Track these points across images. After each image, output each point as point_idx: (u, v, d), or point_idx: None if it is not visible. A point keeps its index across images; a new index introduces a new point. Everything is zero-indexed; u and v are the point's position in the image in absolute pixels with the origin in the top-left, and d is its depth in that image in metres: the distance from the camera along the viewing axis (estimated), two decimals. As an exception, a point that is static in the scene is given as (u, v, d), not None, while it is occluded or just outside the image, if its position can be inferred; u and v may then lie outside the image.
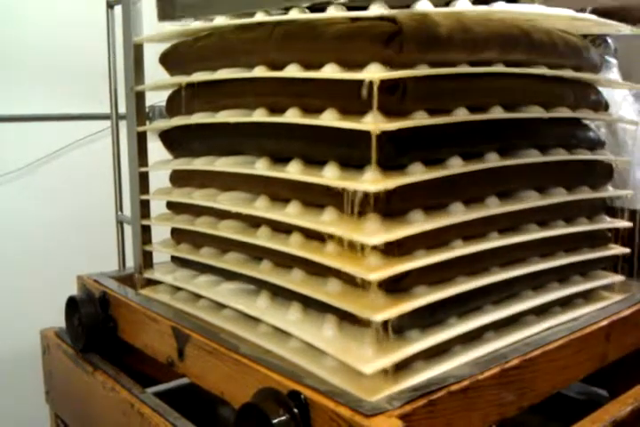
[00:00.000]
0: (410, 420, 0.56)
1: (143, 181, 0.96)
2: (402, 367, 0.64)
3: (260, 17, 0.75)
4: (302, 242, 0.72)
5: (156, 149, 0.97)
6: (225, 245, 0.84)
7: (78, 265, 1.05)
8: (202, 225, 0.86)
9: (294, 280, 0.72)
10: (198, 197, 0.85)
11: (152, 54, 0.95)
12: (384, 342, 0.63)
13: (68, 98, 1.49)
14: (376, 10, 0.64)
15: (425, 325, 0.68)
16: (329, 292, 0.68)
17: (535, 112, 0.77)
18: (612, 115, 0.93)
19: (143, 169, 0.95)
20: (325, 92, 0.68)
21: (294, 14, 0.71)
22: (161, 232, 0.98)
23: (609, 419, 0.70)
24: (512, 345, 0.71)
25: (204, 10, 0.85)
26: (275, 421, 0.56)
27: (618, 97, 1.03)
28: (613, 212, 0.94)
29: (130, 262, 1.02)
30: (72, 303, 0.91)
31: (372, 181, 0.62)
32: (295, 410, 0.57)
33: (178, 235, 0.95)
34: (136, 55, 0.93)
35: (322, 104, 0.68)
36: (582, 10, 0.79)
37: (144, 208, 0.96)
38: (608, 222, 0.90)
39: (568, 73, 0.80)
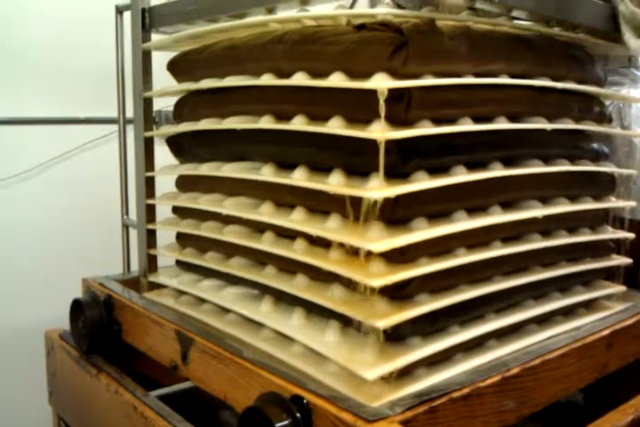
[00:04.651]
0: (411, 426, 0.56)
1: (149, 186, 0.97)
2: (404, 374, 0.64)
3: (260, 18, 0.77)
4: (306, 248, 0.72)
5: (162, 154, 0.98)
6: (230, 249, 0.85)
7: (83, 268, 1.06)
8: (207, 230, 0.86)
9: (298, 286, 0.73)
10: (204, 203, 0.86)
11: (159, 59, 0.96)
12: (386, 348, 0.64)
13: (75, 101, 1.50)
14: (382, 8, 0.65)
15: (427, 332, 0.68)
16: (332, 298, 0.68)
17: (539, 123, 0.78)
18: (615, 127, 0.93)
19: (149, 174, 0.96)
20: (331, 101, 0.69)
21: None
22: (166, 236, 0.99)
23: (609, 428, 0.71)
24: (513, 353, 0.71)
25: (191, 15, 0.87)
26: (277, 425, 0.57)
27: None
28: (620, 222, 0.94)
29: (135, 266, 1.03)
30: (77, 306, 0.92)
31: (376, 189, 0.62)
32: (298, 414, 0.58)
33: (183, 239, 0.95)
34: (144, 61, 0.94)
35: (327, 112, 0.69)
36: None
37: (150, 212, 0.97)
38: (610, 233, 0.90)
39: (571, 85, 0.80)
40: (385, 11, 0.65)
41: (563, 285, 0.85)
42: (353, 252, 0.65)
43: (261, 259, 0.81)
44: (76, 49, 1.47)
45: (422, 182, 0.65)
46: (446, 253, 0.70)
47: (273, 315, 0.76)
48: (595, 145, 0.88)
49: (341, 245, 0.66)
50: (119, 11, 1.08)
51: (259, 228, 0.80)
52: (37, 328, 1.06)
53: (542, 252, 0.78)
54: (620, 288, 0.91)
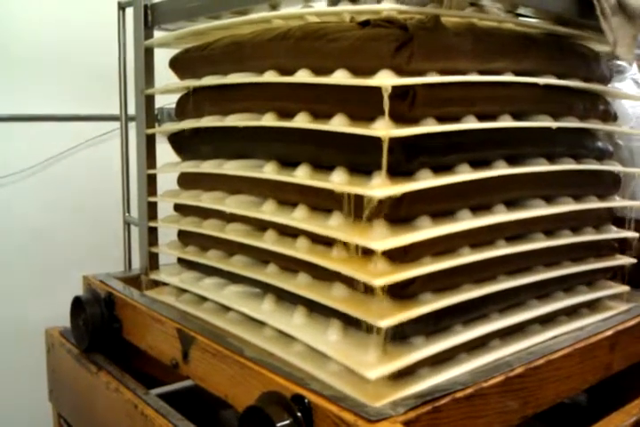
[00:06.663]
0: (414, 426, 0.56)
1: (151, 183, 0.96)
2: (406, 374, 0.64)
3: (263, 14, 0.76)
4: (309, 246, 0.72)
5: (164, 151, 0.97)
6: (231, 247, 0.84)
7: (84, 265, 1.05)
8: (209, 228, 0.86)
9: (300, 284, 0.72)
10: (206, 200, 0.86)
11: (161, 56, 0.96)
12: (389, 347, 0.64)
13: (77, 99, 1.50)
14: (387, 4, 0.65)
15: (430, 331, 0.68)
16: (334, 297, 0.68)
17: (544, 121, 0.77)
18: (620, 126, 0.93)
19: (151, 171, 0.95)
20: (335, 98, 0.68)
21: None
22: (168, 234, 0.99)
23: (613, 429, 0.70)
24: (517, 353, 0.71)
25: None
26: (278, 424, 0.56)
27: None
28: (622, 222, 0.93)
29: (136, 264, 1.03)
30: (78, 303, 0.91)
31: (379, 187, 0.62)
32: (299, 414, 0.57)
33: (185, 237, 0.95)
34: (147, 58, 0.94)
35: (331, 109, 0.68)
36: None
37: (152, 210, 0.97)
38: (614, 232, 0.90)
39: (576, 83, 0.80)
40: (389, 7, 0.64)
41: (566, 284, 0.84)
42: (355, 250, 0.64)
43: (263, 257, 0.80)
44: (77, 46, 1.47)
45: (426, 181, 0.65)
46: (450, 251, 0.69)
47: (274, 314, 0.75)
48: (599, 143, 0.88)
49: (344, 243, 0.66)
50: (122, 7, 1.08)
51: (261, 226, 0.79)
52: (36, 326, 1.05)
53: (546, 251, 0.78)
54: (624, 288, 0.90)
